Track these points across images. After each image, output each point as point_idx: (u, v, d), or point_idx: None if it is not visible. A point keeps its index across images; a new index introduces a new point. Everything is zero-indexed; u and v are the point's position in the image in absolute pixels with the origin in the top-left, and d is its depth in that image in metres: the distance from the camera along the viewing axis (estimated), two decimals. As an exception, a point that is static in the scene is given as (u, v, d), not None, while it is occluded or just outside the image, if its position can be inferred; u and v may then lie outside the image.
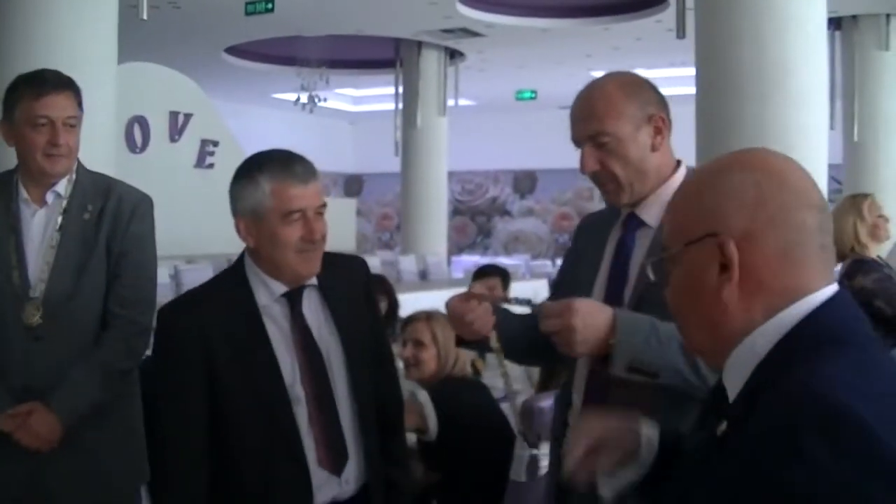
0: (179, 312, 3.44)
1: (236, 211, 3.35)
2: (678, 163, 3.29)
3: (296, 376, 3.33)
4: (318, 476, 3.32)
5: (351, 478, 3.40)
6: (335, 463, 3.35)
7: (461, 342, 3.45)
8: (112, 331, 4.09)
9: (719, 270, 1.82)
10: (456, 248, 29.85)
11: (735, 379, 1.84)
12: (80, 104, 4.10)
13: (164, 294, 4.37)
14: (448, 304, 3.27)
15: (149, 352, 4.82)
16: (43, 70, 4.13)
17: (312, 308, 3.43)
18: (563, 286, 3.46)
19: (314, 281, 3.43)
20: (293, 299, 3.38)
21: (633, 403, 3.07)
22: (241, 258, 3.44)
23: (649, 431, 2.29)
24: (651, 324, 2.90)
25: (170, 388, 3.37)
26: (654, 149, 3.17)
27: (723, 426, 1.80)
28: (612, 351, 2.87)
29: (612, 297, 3.15)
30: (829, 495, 1.53)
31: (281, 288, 3.36)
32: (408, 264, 18.49)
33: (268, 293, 3.36)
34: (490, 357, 3.58)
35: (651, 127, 3.16)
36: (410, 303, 8.62)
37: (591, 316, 2.88)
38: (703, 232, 1.84)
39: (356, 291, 3.59)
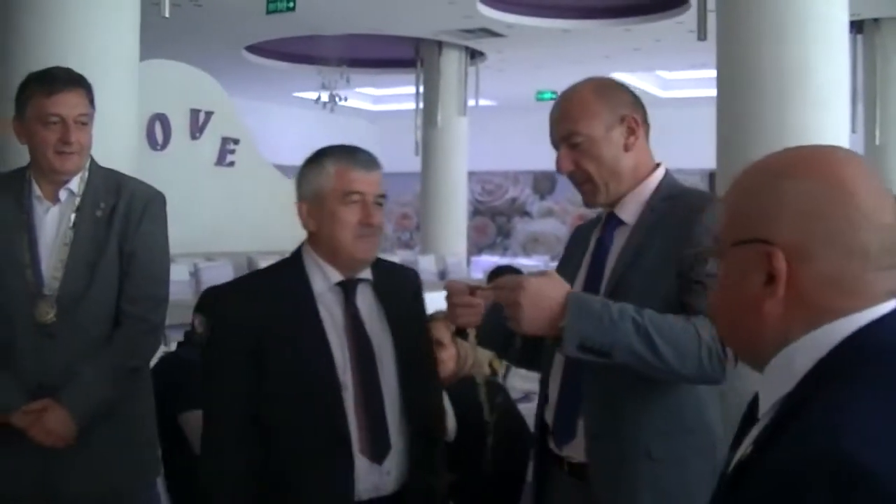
0: (232, 295, 3.57)
1: (300, 195, 3.48)
2: (658, 165, 3.38)
3: (346, 363, 3.38)
4: (360, 463, 3.35)
5: (392, 469, 3.42)
6: (376, 451, 3.38)
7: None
8: (123, 329, 4.11)
9: (765, 280, 1.70)
10: (475, 248, 29.83)
11: (768, 394, 1.74)
12: (91, 101, 4.11)
13: (184, 292, 4.41)
14: (448, 286, 3.37)
15: (164, 348, 4.85)
16: (54, 68, 4.15)
17: (366, 302, 3.51)
18: None
19: (369, 276, 3.53)
20: (348, 289, 3.47)
21: (609, 398, 3.14)
22: (299, 248, 3.54)
23: None
24: (603, 304, 2.96)
25: (217, 367, 3.46)
26: (627, 149, 3.26)
27: (748, 450, 1.70)
28: (563, 332, 2.92)
29: (589, 291, 3.22)
30: None
31: (337, 276, 3.45)
32: (427, 264, 18.50)
33: (324, 280, 3.46)
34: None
35: (624, 127, 3.25)
36: (429, 302, 8.58)
37: (541, 297, 2.94)
38: (753, 235, 1.72)
39: (408, 299, 3.67)
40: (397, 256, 18.97)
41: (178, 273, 11.32)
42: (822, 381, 1.62)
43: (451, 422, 5.05)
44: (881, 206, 1.68)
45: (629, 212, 3.30)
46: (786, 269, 1.67)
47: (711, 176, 20.74)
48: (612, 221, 3.35)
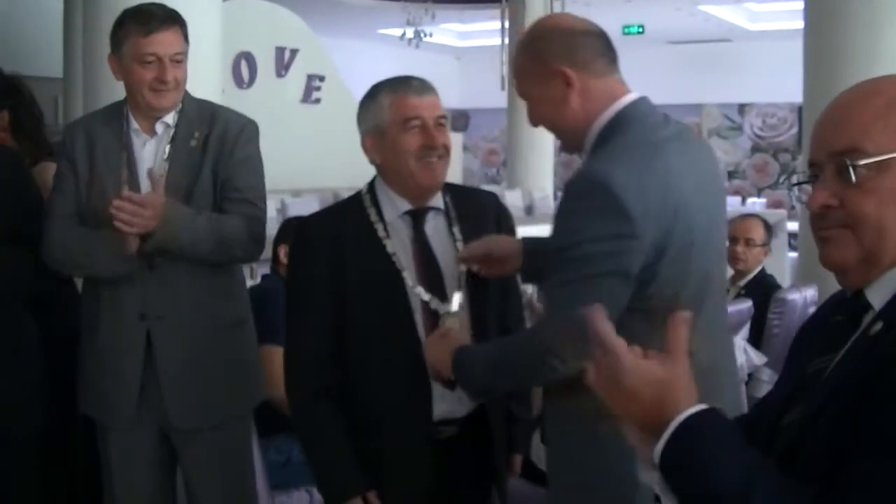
0: (314, 220, 3.68)
1: (363, 131, 3.51)
2: (615, 99, 3.10)
3: (415, 286, 3.47)
4: (436, 389, 3.40)
5: (465, 396, 3.40)
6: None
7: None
8: (229, 209, 4.15)
9: None
10: (562, 183, 29.69)
11: (887, 287, 1.83)
12: (186, 37, 4.15)
13: (271, 228, 4.41)
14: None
15: (251, 281, 4.88)
16: (150, 4, 4.16)
17: (437, 230, 3.56)
18: None
19: (440, 205, 3.58)
20: (416, 217, 3.52)
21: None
22: (373, 180, 3.59)
23: None
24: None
25: (300, 291, 3.54)
26: (564, 101, 3.07)
27: (877, 326, 1.77)
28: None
29: None
30: None
31: (405, 205, 3.51)
32: (514, 199, 18.45)
33: (394, 210, 3.51)
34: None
35: (559, 80, 3.06)
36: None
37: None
38: None
39: (486, 224, 3.65)
40: (483, 193, 18.94)
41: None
42: None
43: None
44: None
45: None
46: None
47: (801, 110, 20.56)
48: None
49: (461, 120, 33.12)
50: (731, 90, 28.01)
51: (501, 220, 3.78)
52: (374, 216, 3.50)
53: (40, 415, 4.29)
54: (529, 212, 18.59)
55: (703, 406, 1.73)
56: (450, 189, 3.64)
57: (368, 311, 3.44)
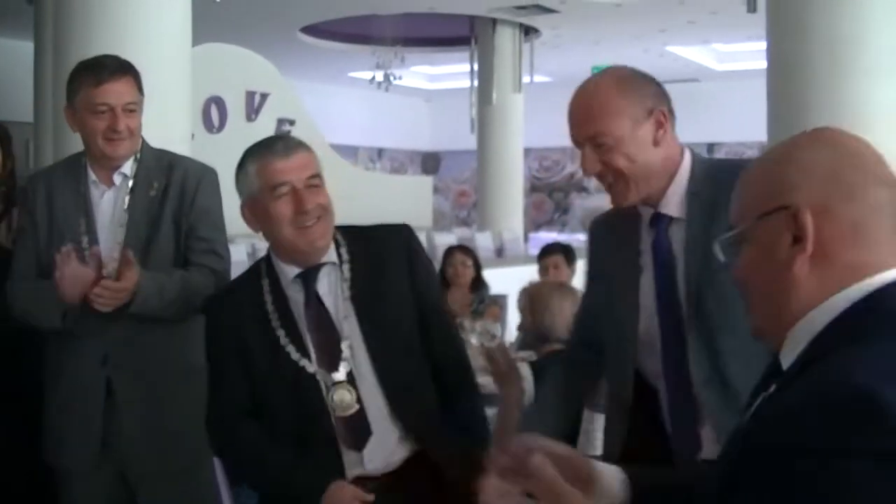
0: (217, 301, 3.64)
1: (241, 203, 3.44)
2: (683, 149, 3.18)
3: (313, 356, 3.41)
4: (347, 454, 3.40)
5: (376, 457, 3.42)
6: (355, 440, 3.41)
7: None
8: (195, 261, 4.20)
9: (792, 242, 1.81)
10: (533, 224, 29.75)
11: (790, 354, 1.84)
12: (140, 88, 4.19)
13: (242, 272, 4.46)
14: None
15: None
16: (102, 56, 4.24)
17: (330, 286, 3.47)
18: (603, 310, 3.38)
19: (333, 258, 3.48)
20: (308, 279, 3.44)
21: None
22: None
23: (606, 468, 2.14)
24: None
25: (214, 359, 3.54)
26: (656, 143, 3.06)
27: (771, 390, 1.84)
28: None
29: (666, 303, 3.13)
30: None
31: (294, 269, 3.43)
32: (484, 241, 18.46)
33: (285, 275, 3.44)
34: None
35: (652, 121, 3.06)
36: (487, 279, 8.70)
37: None
38: (776, 204, 1.83)
39: (393, 262, 3.56)
40: (454, 234, 19.00)
41: (237, 253, 11.35)
42: (838, 337, 1.74)
43: (528, 396, 5.08)
44: (883, 166, 1.87)
45: (675, 206, 3.13)
46: (812, 225, 1.79)
47: (770, 148, 20.53)
48: (661, 220, 3.17)
49: (432, 162, 33.21)
50: (701, 130, 28.10)
51: (412, 255, 3.62)
52: (266, 286, 3.45)
53: (27, 459, 4.29)
54: (500, 253, 18.63)
55: None
56: (348, 235, 3.54)
57: (275, 383, 3.39)
